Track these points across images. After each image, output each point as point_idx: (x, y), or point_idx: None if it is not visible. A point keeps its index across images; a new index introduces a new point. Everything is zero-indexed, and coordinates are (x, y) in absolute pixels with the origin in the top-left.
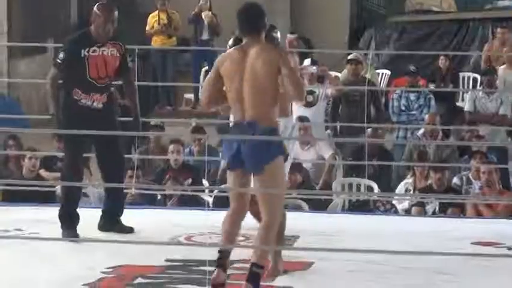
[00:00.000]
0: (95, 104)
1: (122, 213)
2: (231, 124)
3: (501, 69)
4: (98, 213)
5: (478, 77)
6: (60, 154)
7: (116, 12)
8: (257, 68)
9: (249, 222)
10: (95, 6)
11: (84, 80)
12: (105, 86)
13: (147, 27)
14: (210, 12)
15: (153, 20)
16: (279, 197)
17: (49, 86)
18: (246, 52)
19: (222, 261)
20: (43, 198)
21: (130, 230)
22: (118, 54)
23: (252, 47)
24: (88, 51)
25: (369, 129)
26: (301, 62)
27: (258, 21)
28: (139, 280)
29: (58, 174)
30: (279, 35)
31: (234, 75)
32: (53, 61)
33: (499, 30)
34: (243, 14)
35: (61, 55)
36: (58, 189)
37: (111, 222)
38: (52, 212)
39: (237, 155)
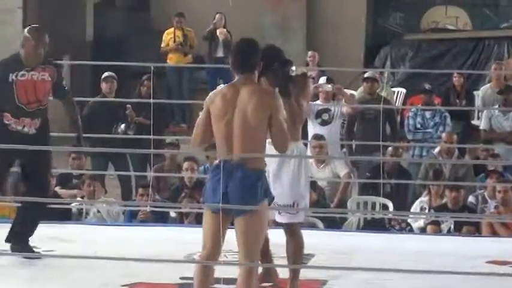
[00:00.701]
0: (25, 128)
1: (32, 234)
2: (215, 163)
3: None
4: (111, 230)
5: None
6: (76, 171)
7: (47, 36)
8: (248, 111)
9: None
10: (26, 29)
11: (14, 105)
12: (36, 111)
13: (163, 45)
14: (225, 30)
15: (168, 37)
16: (259, 240)
17: None
18: (238, 91)
19: None
20: (59, 215)
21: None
22: (49, 78)
23: (244, 86)
24: (16, 76)
25: (389, 148)
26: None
27: (251, 58)
28: None
29: (74, 192)
30: (294, 68)
31: (224, 114)
32: None
33: None
34: (236, 50)
35: None
36: (74, 206)
37: (18, 239)
38: (68, 230)
39: (223, 196)
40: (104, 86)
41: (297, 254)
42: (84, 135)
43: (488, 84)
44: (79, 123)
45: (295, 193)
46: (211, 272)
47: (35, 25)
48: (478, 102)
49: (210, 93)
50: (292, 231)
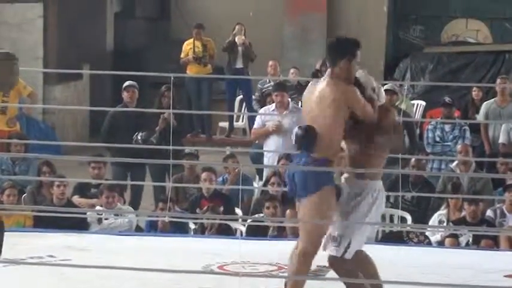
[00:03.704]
0: None
1: None
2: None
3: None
4: (129, 239)
5: None
6: (94, 181)
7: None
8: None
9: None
10: None
11: None
12: None
13: (182, 55)
14: (244, 37)
15: (188, 47)
16: (318, 226)
17: None
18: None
19: None
20: (74, 224)
21: None
22: None
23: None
24: None
25: (412, 159)
26: None
27: (332, 53)
28: None
29: (92, 201)
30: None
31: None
32: None
33: None
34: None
35: None
36: (90, 215)
37: None
38: (84, 239)
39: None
40: (125, 95)
41: None
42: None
43: (492, 99)
44: None
45: (346, 227)
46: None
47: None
48: (480, 116)
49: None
50: (332, 266)
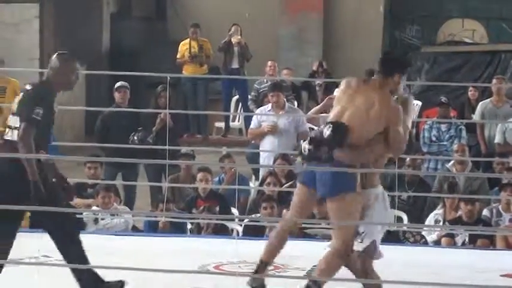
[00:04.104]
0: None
1: None
2: None
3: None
4: (125, 240)
5: None
6: (90, 181)
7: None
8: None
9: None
10: (54, 55)
11: (49, 138)
12: None
13: (178, 55)
14: (240, 37)
15: (184, 48)
16: (351, 226)
17: (28, 149)
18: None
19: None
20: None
21: None
22: None
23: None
24: (55, 107)
25: (407, 159)
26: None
27: (390, 65)
28: None
29: (88, 201)
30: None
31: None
32: (28, 118)
33: None
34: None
35: (39, 110)
36: (86, 215)
37: None
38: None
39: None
40: (117, 95)
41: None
42: (101, 144)
43: (488, 99)
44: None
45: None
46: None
47: (63, 52)
48: (476, 116)
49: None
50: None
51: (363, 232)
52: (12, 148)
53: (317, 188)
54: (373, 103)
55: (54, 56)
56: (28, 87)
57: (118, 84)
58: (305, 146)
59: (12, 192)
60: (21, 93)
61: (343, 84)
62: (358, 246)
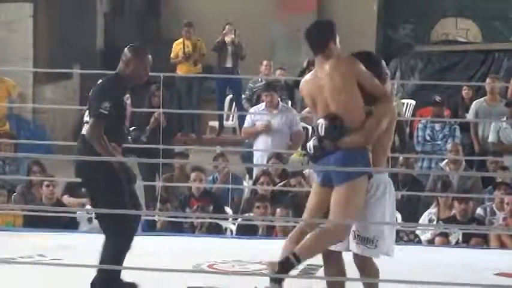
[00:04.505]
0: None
1: None
2: None
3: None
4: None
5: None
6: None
7: (150, 57)
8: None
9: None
10: (127, 48)
11: (122, 132)
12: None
13: (172, 55)
14: (233, 36)
15: (178, 47)
16: (351, 215)
17: (97, 142)
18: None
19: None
20: (65, 224)
21: None
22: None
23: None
24: (126, 99)
25: (400, 158)
26: None
27: (315, 42)
28: None
29: (81, 200)
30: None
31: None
32: (97, 113)
33: None
34: (305, 36)
35: (107, 104)
36: (79, 215)
37: None
38: (74, 238)
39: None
40: None
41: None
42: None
43: (482, 98)
44: None
45: (378, 228)
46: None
47: (135, 44)
48: (470, 115)
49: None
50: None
51: (374, 237)
52: (85, 143)
53: (332, 180)
54: (332, 79)
55: (126, 48)
56: (99, 81)
57: None
58: (309, 144)
59: (105, 188)
60: (92, 88)
61: (301, 88)
62: (369, 252)
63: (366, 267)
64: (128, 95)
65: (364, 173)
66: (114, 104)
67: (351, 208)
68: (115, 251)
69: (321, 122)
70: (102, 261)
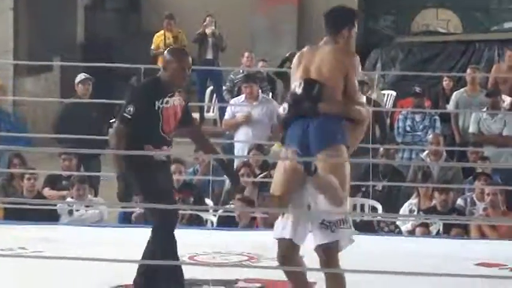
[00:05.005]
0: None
1: None
2: None
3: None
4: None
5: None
6: (64, 173)
7: (190, 58)
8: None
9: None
10: (166, 51)
11: (157, 135)
12: (171, 139)
13: (153, 46)
14: (214, 27)
15: (159, 39)
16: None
17: (116, 143)
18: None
19: None
20: (45, 216)
21: None
22: (183, 103)
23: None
24: (162, 103)
25: (381, 149)
26: None
27: (334, 22)
28: None
29: (62, 193)
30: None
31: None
32: (120, 116)
33: (508, 53)
34: (325, 14)
35: (130, 108)
36: (60, 207)
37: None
38: (55, 231)
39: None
40: (79, 88)
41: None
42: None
43: (462, 89)
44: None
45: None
46: None
47: (175, 46)
48: (450, 106)
49: None
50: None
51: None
52: None
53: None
54: (327, 57)
55: (166, 51)
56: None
57: (82, 77)
58: (284, 106)
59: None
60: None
61: (296, 58)
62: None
63: (331, 259)
64: (173, 98)
65: (343, 140)
66: (141, 108)
67: (342, 175)
68: (154, 244)
69: (300, 81)
70: (144, 254)
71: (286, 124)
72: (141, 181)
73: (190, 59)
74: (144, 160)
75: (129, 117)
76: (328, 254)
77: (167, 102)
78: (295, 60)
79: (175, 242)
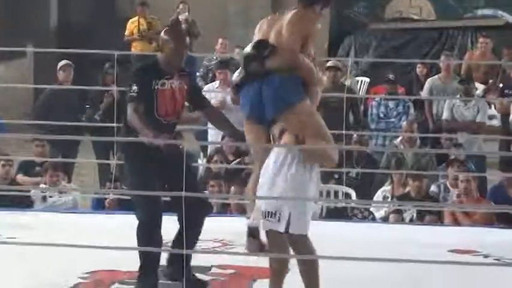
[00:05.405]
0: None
1: None
2: None
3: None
4: (75, 217)
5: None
6: (38, 159)
7: (188, 38)
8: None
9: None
10: (163, 32)
11: (152, 117)
12: (172, 124)
13: (127, 32)
14: (187, 14)
15: (132, 25)
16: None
17: (138, 121)
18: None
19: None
20: (19, 203)
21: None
22: (185, 86)
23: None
24: (157, 84)
25: (354, 135)
26: None
27: None
28: (116, 286)
29: (36, 179)
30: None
31: None
32: (129, 97)
33: (481, 40)
34: None
35: (135, 87)
36: (33, 193)
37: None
38: (29, 217)
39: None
40: (61, 74)
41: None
42: (38, 122)
43: (436, 76)
44: (235, 129)
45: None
46: None
47: (171, 25)
48: (424, 92)
49: None
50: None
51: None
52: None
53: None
54: (288, 18)
55: (163, 32)
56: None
57: (62, 62)
58: (235, 74)
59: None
60: None
61: (258, 25)
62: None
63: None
64: (171, 80)
65: (300, 99)
66: (142, 88)
67: (313, 126)
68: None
69: (250, 46)
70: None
71: (238, 88)
72: (128, 166)
73: (188, 39)
74: (135, 143)
75: (135, 94)
76: (292, 240)
77: (163, 84)
78: (257, 27)
79: (158, 235)
